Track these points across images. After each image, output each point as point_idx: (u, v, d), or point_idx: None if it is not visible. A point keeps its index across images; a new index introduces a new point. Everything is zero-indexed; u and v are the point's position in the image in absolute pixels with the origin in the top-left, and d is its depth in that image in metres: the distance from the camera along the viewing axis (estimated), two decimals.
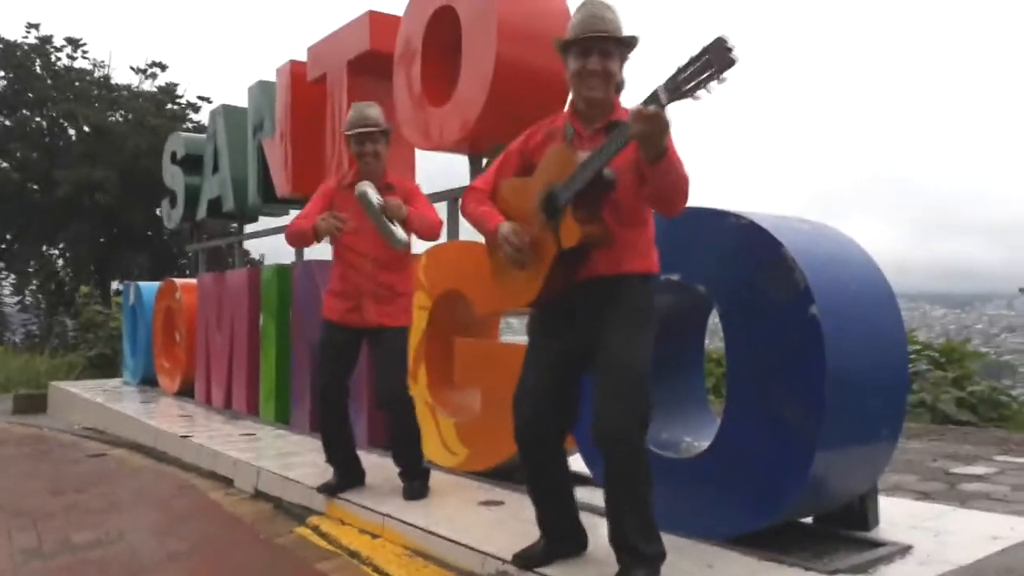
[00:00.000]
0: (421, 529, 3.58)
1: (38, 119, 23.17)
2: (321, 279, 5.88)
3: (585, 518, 3.09)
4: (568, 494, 3.02)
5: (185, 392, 8.30)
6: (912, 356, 7.66)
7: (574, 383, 2.89)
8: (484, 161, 5.04)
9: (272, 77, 6.90)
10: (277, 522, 4.35)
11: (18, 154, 21.88)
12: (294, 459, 5.17)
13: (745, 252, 3.22)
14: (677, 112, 2.30)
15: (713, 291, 3.37)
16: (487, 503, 3.95)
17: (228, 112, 7.77)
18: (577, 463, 3.55)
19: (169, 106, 24.51)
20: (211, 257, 9.77)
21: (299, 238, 4.21)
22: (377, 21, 5.64)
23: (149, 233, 25.71)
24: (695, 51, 2.21)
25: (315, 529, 4.08)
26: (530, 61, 4.69)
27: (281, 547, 3.88)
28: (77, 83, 23.37)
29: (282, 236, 7.58)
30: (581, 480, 3.71)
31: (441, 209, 4.83)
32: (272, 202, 7.02)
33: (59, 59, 23.21)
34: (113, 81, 24.29)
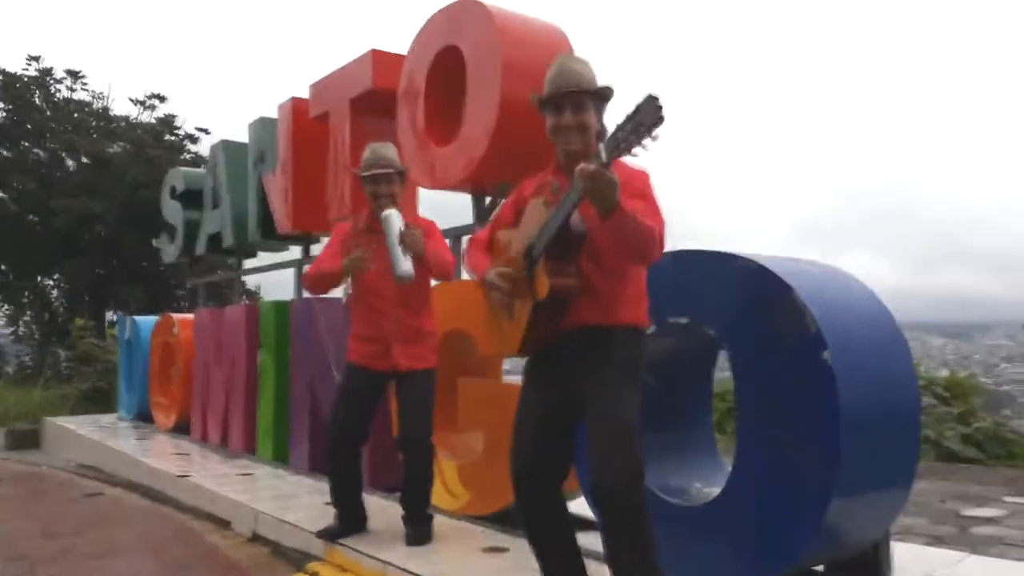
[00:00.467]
0: None
1: (36, 150, 23.18)
2: (323, 315, 5.84)
3: (590, 566, 3.00)
4: (571, 543, 2.95)
5: (180, 429, 8.20)
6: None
7: (568, 430, 2.87)
8: (488, 200, 5.01)
9: (273, 112, 6.90)
10: (275, 568, 4.27)
11: (17, 185, 21.86)
12: (293, 501, 5.10)
13: (755, 296, 3.18)
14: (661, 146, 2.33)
15: (723, 335, 3.33)
16: (491, 550, 3.88)
17: (228, 147, 7.75)
18: (580, 507, 3.48)
19: (168, 137, 24.54)
20: (209, 291, 9.73)
21: (324, 281, 4.14)
22: (380, 60, 5.64)
23: (145, 264, 25.68)
24: (630, 109, 2.29)
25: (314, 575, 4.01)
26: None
27: None
28: (76, 114, 23.41)
29: (279, 272, 7.62)
30: (584, 524, 3.64)
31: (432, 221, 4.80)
32: (272, 238, 6.98)
33: (59, 90, 23.28)
34: (112, 112, 24.35)
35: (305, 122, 6.41)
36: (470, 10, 4.84)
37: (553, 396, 2.83)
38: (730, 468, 3.58)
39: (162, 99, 24.90)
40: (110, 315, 26.41)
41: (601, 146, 2.35)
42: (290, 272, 7.12)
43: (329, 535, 4.13)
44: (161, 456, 6.97)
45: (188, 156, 25.14)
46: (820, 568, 3.37)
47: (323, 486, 5.50)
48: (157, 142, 23.82)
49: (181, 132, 24.96)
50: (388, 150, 4.14)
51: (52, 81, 23.01)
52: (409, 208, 4.94)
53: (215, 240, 7.84)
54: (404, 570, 3.63)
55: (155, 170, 23.33)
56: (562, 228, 2.59)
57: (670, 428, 3.65)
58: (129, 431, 8.69)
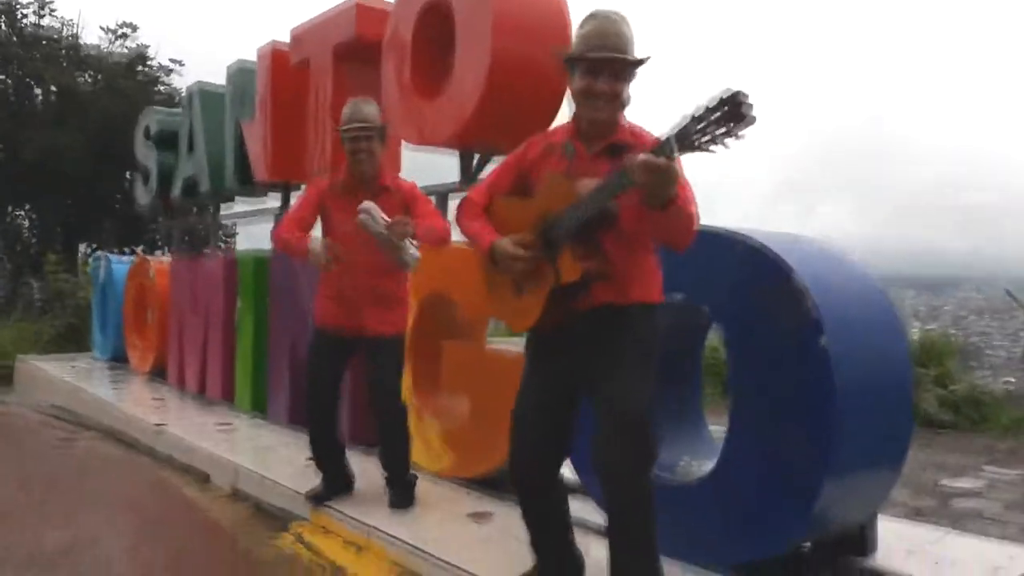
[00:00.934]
0: (409, 544, 3.49)
1: (3, 77, 22.49)
2: (303, 272, 5.71)
3: (580, 536, 2.98)
4: (564, 523, 2.92)
5: (157, 373, 8.10)
6: None
7: (572, 413, 2.79)
8: (476, 158, 4.88)
9: (251, 55, 6.67)
10: (258, 528, 4.23)
11: None
12: (272, 455, 5.06)
13: (754, 277, 3.13)
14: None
15: (718, 314, 3.30)
16: (476, 515, 3.87)
17: (205, 91, 7.50)
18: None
19: (140, 69, 23.92)
20: (184, 232, 9.51)
21: (288, 252, 4.04)
22: (364, 11, 5.43)
23: (118, 198, 25.21)
24: (710, 102, 2.06)
25: (298, 538, 3.98)
26: (527, 55, 4.53)
27: (264, 563, 3.74)
28: (44, 42, 22.69)
29: (256, 219, 7.45)
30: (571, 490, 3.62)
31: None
32: (249, 184, 6.80)
33: (25, 16, 22.51)
34: (82, 42, 23.61)
35: (285, 68, 6.19)
36: None
37: (558, 377, 2.73)
38: (719, 444, 3.58)
39: (134, 28, 24.07)
40: (83, 248, 26.06)
41: (671, 138, 2.15)
42: (268, 221, 6.96)
43: (316, 499, 4.09)
44: (137, 404, 6.88)
45: (161, 89, 24.55)
46: (806, 545, 3.38)
47: (302, 439, 5.42)
48: (129, 74, 23.22)
49: (154, 64, 24.32)
50: (369, 106, 3.99)
51: (19, 7, 22.23)
52: (392, 167, 4.79)
53: (191, 185, 7.62)
54: (388, 535, 3.61)
55: (127, 103, 22.74)
56: (599, 214, 2.45)
57: (659, 402, 3.61)
58: (104, 373, 8.58)
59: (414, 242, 3.77)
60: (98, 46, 23.45)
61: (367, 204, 3.72)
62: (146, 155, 8.57)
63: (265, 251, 6.82)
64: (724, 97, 2.03)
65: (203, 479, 5.12)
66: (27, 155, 20.08)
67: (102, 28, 26.45)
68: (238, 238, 9.14)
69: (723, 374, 4.88)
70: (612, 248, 2.57)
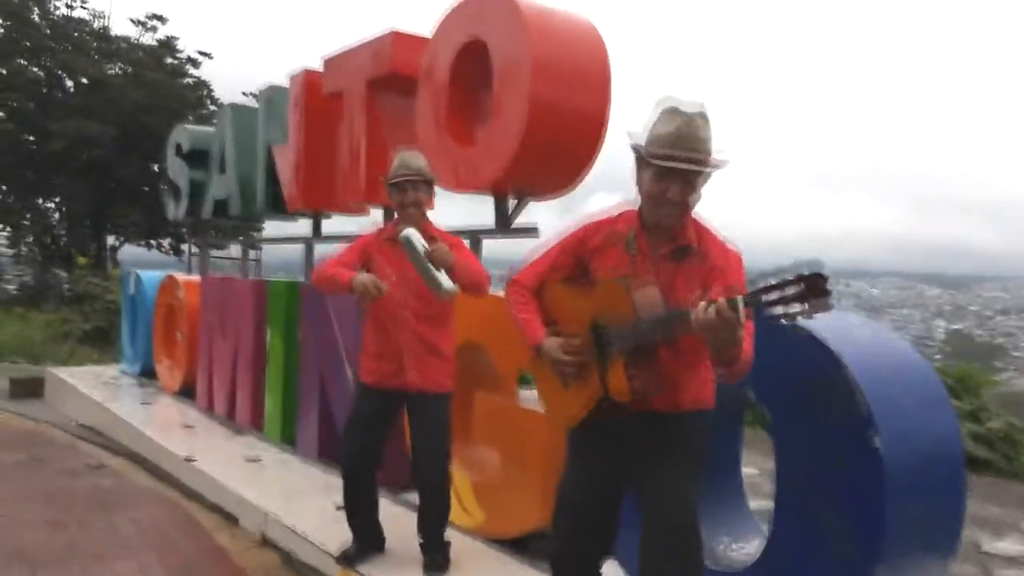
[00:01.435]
0: None
1: (34, 69, 22.62)
2: (334, 303, 5.67)
3: None
4: None
5: (185, 391, 8.10)
6: None
7: (615, 508, 2.73)
8: (512, 203, 4.80)
9: (281, 78, 6.61)
10: None
11: (13, 103, 21.39)
12: (302, 500, 5.01)
13: (803, 366, 3.03)
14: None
15: (764, 397, 3.20)
16: None
17: (237, 111, 7.46)
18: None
19: (168, 60, 24.00)
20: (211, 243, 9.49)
21: (330, 287, 3.96)
22: (401, 42, 5.33)
23: (145, 189, 25.33)
24: (789, 276, 2.00)
25: None
26: (566, 101, 4.45)
27: None
28: (75, 33, 22.81)
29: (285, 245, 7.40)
30: None
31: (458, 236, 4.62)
32: (281, 212, 6.75)
33: (57, 8, 22.62)
34: (111, 32, 23.72)
35: (317, 96, 6.13)
36: (496, 2, 4.54)
37: (602, 476, 2.67)
38: (757, 521, 3.49)
39: (163, 20, 24.25)
40: (111, 240, 26.26)
41: (740, 300, 2.07)
42: (299, 246, 6.91)
43: (348, 560, 4.04)
44: (166, 429, 6.87)
45: (189, 81, 24.64)
46: None
47: (332, 479, 5.44)
48: (157, 65, 23.30)
49: (182, 55, 24.42)
50: (417, 159, 3.93)
51: None
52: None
53: (222, 206, 7.59)
54: None
55: (155, 94, 22.89)
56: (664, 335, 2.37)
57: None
58: (133, 390, 8.58)
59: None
60: (127, 37, 23.58)
61: (409, 230, 3.66)
62: (177, 172, 8.53)
63: (294, 275, 6.80)
64: (805, 276, 1.97)
65: (233, 521, 5.10)
66: (56, 145, 20.26)
67: (131, 20, 26.59)
68: (264, 252, 9.04)
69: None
70: (668, 360, 2.49)
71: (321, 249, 6.39)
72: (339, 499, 4.11)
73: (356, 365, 4.13)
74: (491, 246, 4.94)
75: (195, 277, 8.32)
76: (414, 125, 5.24)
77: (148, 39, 24.08)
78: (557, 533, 2.75)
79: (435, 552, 3.98)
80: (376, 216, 5.84)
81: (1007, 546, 4.76)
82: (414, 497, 4.61)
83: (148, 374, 9.03)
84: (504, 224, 4.79)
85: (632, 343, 2.41)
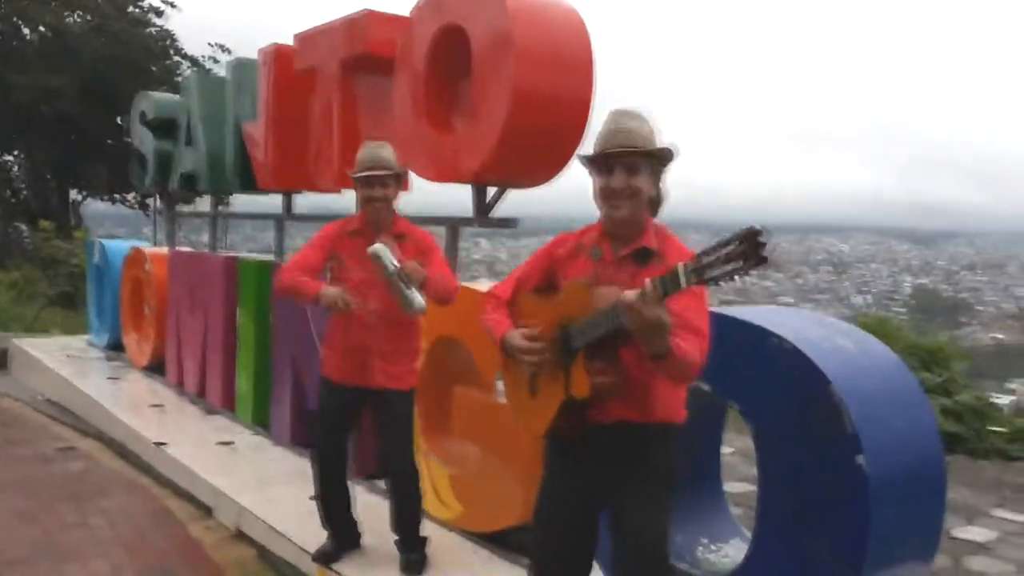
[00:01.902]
0: None
1: None
2: None
3: None
4: None
5: (155, 367, 7.96)
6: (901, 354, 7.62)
7: (593, 520, 2.72)
8: (490, 192, 4.70)
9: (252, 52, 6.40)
10: None
11: None
12: (277, 491, 4.96)
13: (789, 382, 3.01)
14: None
15: (748, 412, 3.18)
16: None
17: (203, 81, 7.23)
18: None
19: (131, 9, 23.27)
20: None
21: (295, 298, 3.87)
22: (375, 22, 5.14)
23: (110, 142, 24.73)
24: (724, 237, 1.99)
25: None
26: (549, 92, 4.34)
27: None
28: None
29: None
30: None
31: (438, 234, 4.53)
32: (252, 188, 6.59)
33: None
34: None
35: (289, 73, 5.92)
36: None
37: (576, 491, 2.66)
38: (742, 529, 3.50)
39: None
40: (74, 194, 25.72)
41: (680, 269, 2.06)
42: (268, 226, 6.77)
43: (324, 558, 4.01)
44: (136, 409, 6.77)
45: (153, 31, 23.95)
46: None
47: (306, 466, 5.33)
48: (119, 14, 22.59)
49: (145, 4, 23.68)
50: (384, 150, 3.81)
51: None
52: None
53: (189, 179, 7.38)
54: None
55: (118, 44, 22.23)
56: (615, 330, 2.34)
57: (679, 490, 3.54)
58: (101, 365, 8.44)
59: (421, 291, 3.65)
60: None
61: (379, 245, 3.57)
62: (142, 141, 8.28)
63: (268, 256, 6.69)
64: (740, 234, 1.95)
65: (206, 510, 5.05)
66: (17, 97, 19.68)
67: None
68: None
69: None
70: (632, 361, 2.46)
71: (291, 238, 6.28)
72: (313, 488, 4.08)
73: (322, 353, 4.07)
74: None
75: (163, 249, 8.14)
76: (390, 107, 5.11)
77: None
78: (537, 548, 2.76)
79: (411, 551, 3.97)
80: (350, 198, 5.71)
81: (978, 532, 4.84)
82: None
83: (116, 346, 8.87)
84: (483, 214, 4.69)
85: (588, 336, 2.40)
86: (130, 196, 24.65)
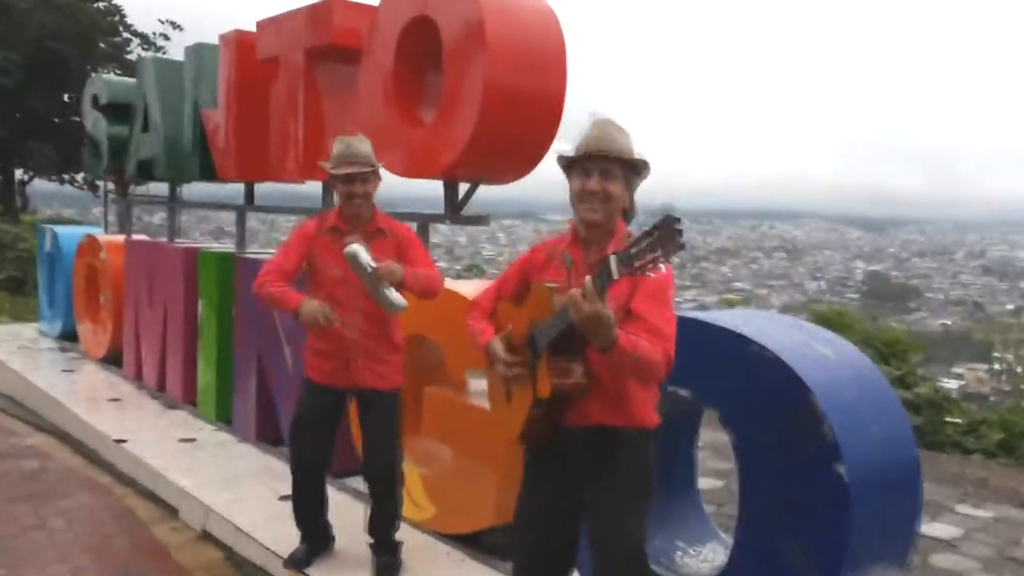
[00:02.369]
0: None
1: None
2: None
3: None
4: None
5: (111, 358, 7.76)
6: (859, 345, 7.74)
7: (572, 525, 2.73)
8: (461, 188, 4.64)
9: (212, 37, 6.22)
10: None
11: None
12: (243, 490, 4.87)
13: (769, 390, 3.01)
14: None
15: (728, 419, 3.17)
16: None
17: (159, 65, 6.99)
18: None
19: None
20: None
21: (273, 307, 3.78)
22: (342, 11, 5.02)
23: (56, 120, 24.04)
24: (646, 228, 2.11)
25: None
26: (522, 87, 4.30)
27: None
28: None
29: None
30: None
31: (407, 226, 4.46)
32: (212, 178, 6.42)
33: None
34: None
35: (251, 60, 5.77)
36: None
37: (554, 494, 2.68)
38: (721, 534, 3.51)
39: None
40: (19, 174, 25.01)
41: (612, 259, 2.13)
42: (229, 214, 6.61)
43: (296, 563, 3.93)
44: (93, 403, 6.60)
45: (100, 5, 23.32)
46: None
47: (271, 463, 5.34)
48: None
49: None
50: (363, 145, 3.72)
51: None
52: None
53: (146, 165, 7.16)
54: None
55: (64, 18, 21.61)
56: (568, 327, 2.36)
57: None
58: (54, 357, 8.21)
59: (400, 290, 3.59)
60: None
61: (354, 246, 3.49)
62: (95, 125, 8.02)
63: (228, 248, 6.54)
64: (658, 223, 2.06)
65: (170, 510, 4.93)
66: None
67: None
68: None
69: None
70: (597, 361, 2.48)
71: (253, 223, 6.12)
72: (280, 487, 4.01)
73: (296, 348, 3.98)
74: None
75: (118, 237, 7.91)
76: (355, 97, 5.01)
77: None
78: (518, 553, 2.79)
79: (385, 554, 3.91)
80: (314, 188, 5.59)
81: (943, 528, 4.92)
82: (358, 483, 4.55)
83: (70, 337, 8.64)
84: (455, 210, 4.63)
85: (548, 336, 2.44)
86: (79, 176, 24.05)
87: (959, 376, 22.16)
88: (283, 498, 4.44)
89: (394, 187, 5.07)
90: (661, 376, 2.42)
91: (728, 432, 3.18)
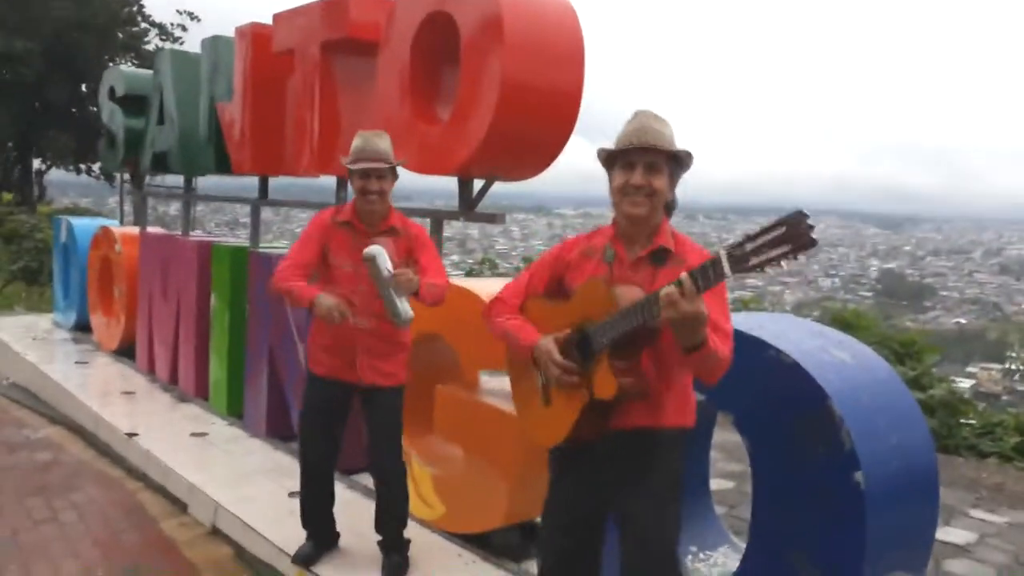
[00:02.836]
0: None
1: None
2: None
3: None
4: None
5: (125, 350, 7.78)
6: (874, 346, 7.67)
7: (600, 528, 2.71)
8: (476, 185, 4.60)
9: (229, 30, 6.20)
10: None
11: None
12: (253, 487, 4.85)
13: (786, 396, 2.96)
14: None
15: (743, 423, 3.13)
16: None
17: (176, 58, 6.98)
18: None
19: None
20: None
21: (289, 301, 3.76)
22: (358, 4, 4.97)
23: (74, 111, 24.18)
24: (768, 222, 1.95)
25: None
26: (539, 82, 4.25)
27: None
28: None
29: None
30: None
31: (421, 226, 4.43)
32: (227, 171, 6.41)
33: None
34: None
35: (266, 53, 5.74)
36: None
37: (585, 498, 2.65)
38: (731, 536, 3.47)
39: None
40: (37, 164, 25.18)
41: (723, 254, 2.01)
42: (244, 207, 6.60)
43: (303, 560, 3.92)
44: (105, 396, 6.61)
45: None
46: None
47: (282, 459, 5.33)
48: None
49: None
50: (383, 141, 3.68)
51: None
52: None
53: (160, 158, 7.16)
54: None
55: (82, 9, 21.71)
56: (641, 326, 2.30)
57: None
58: (68, 348, 8.24)
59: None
60: None
61: (376, 247, 3.44)
62: (111, 117, 8.03)
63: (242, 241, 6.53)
64: (787, 217, 1.91)
65: (180, 505, 4.93)
66: None
67: None
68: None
69: None
70: (648, 366, 2.45)
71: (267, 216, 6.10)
72: (290, 484, 3.97)
73: (307, 348, 3.96)
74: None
75: (133, 230, 7.93)
76: (371, 91, 4.98)
77: None
78: (546, 556, 2.74)
79: (394, 552, 3.89)
80: (327, 182, 5.57)
81: (957, 533, 4.86)
82: (366, 479, 4.53)
83: (84, 328, 8.67)
84: (469, 207, 4.60)
85: (615, 332, 2.34)
86: (96, 166, 24.17)
87: (972, 375, 21.98)
88: (293, 495, 4.41)
89: (407, 181, 5.05)
90: (723, 373, 2.37)
91: (743, 437, 3.14)
